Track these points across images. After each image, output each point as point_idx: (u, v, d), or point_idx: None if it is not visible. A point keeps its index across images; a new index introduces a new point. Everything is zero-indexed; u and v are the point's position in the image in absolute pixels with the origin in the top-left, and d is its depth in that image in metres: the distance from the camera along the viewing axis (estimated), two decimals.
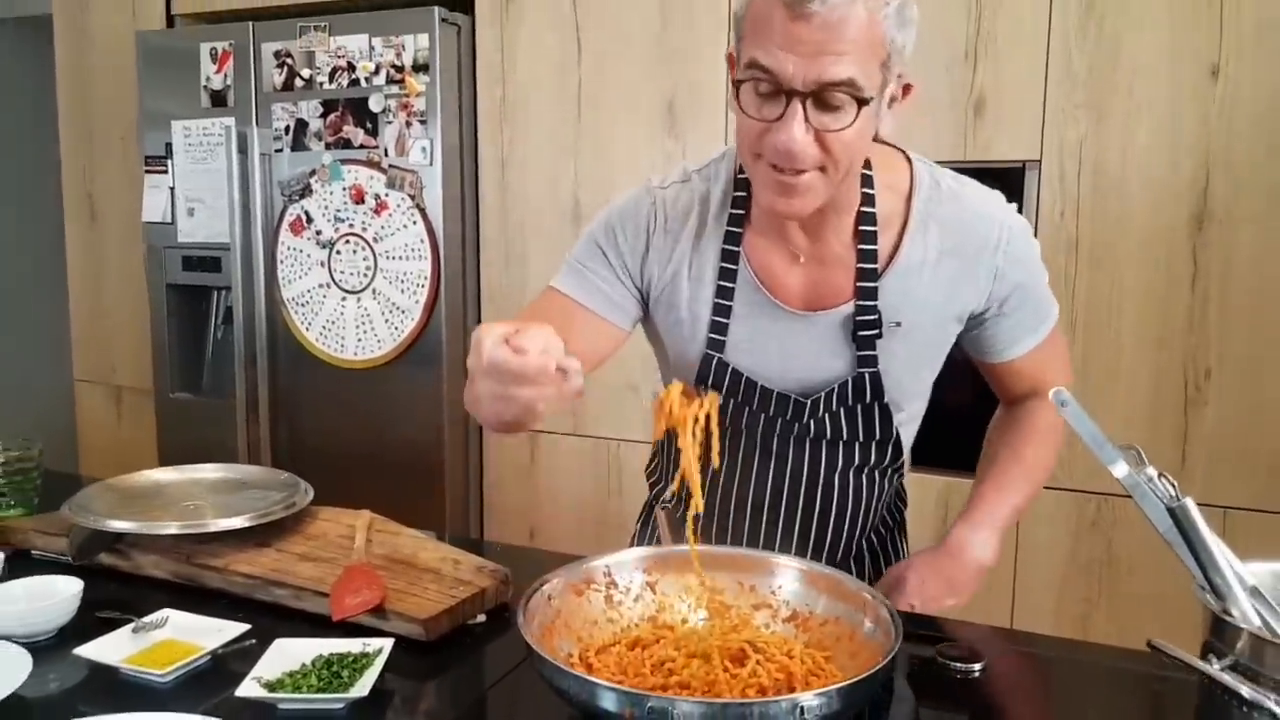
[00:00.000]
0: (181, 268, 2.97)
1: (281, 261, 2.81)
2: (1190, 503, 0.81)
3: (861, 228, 1.20)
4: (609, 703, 0.88)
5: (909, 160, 1.24)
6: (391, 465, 2.74)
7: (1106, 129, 2.12)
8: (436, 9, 2.53)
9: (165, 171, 2.94)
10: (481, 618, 1.28)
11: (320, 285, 2.76)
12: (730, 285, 1.24)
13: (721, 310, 1.24)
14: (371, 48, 2.60)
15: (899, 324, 1.22)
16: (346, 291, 2.73)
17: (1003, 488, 1.32)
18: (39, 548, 1.48)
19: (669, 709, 0.85)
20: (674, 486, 1.20)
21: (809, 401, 1.26)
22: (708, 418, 1.08)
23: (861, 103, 1.02)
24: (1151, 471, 0.88)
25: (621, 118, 2.52)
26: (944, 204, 1.21)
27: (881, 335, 1.22)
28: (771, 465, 1.34)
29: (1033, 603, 2.26)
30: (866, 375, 1.23)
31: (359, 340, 2.73)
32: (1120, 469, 0.87)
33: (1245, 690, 0.73)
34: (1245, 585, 0.83)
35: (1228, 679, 0.74)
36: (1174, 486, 0.83)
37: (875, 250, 1.20)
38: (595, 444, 2.66)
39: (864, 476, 1.35)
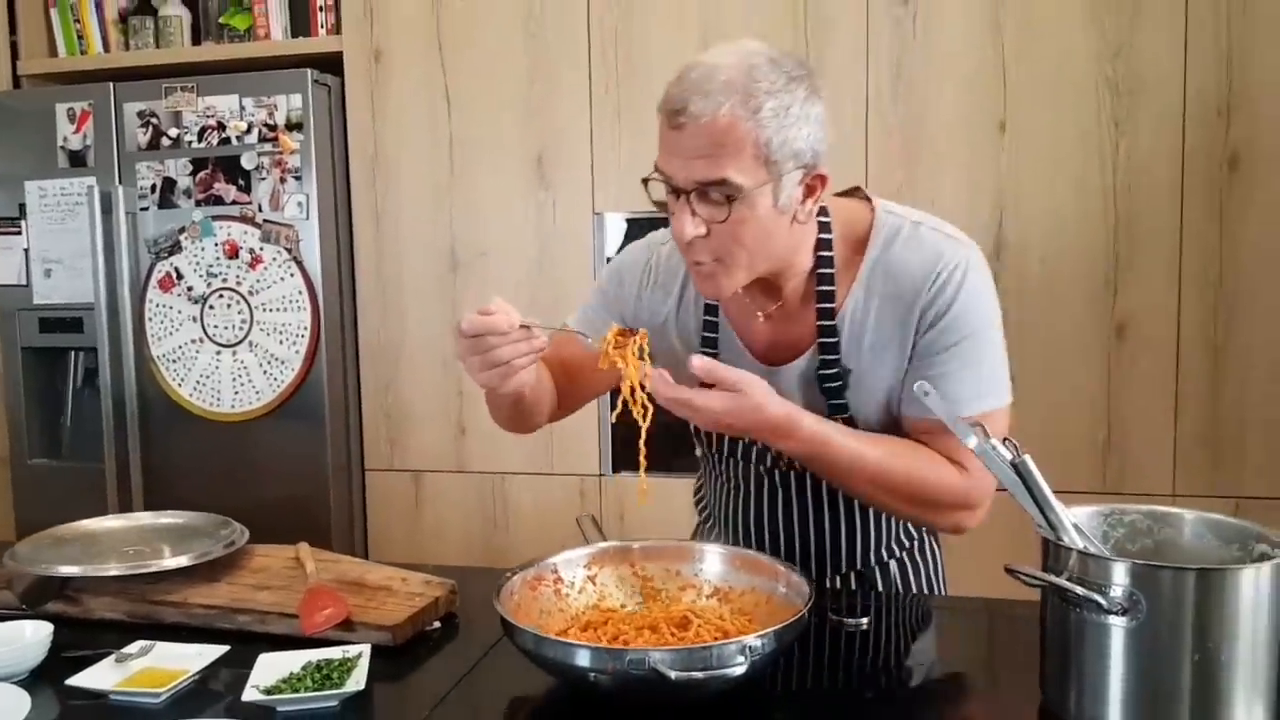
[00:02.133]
0: (39, 330, 2.92)
1: (150, 319, 2.82)
2: (1029, 459, 1.07)
3: (819, 287, 1.29)
4: (588, 660, 1.06)
5: (875, 211, 1.32)
6: (276, 515, 2.76)
7: (918, 175, 2.48)
8: (309, 71, 2.65)
9: (19, 233, 2.89)
10: (436, 624, 1.43)
11: (193, 340, 2.80)
12: (713, 336, 1.38)
13: None
14: (242, 108, 2.69)
15: (850, 370, 1.30)
16: (221, 345, 2.77)
17: (861, 443, 1.25)
18: None
19: (644, 658, 1.03)
20: (620, 408, 1.27)
21: None
22: (641, 348, 1.24)
23: (733, 199, 1.13)
24: (995, 441, 1.13)
25: (493, 170, 2.71)
26: (896, 249, 1.27)
27: (846, 385, 1.30)
28: (780, 494, 1.44)
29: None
30: (840, 422, 1.30)
31: (236, 393, 2.78)
32: (972, 441, 1.12)
33: (1079, 590, 0.99)
34: (1071, 521, 1.10)
35: (1065, 583, 1.00)
36: (1016, 447, 1.09)
37: (833, 308, 1.29)
38: (480, 479, 2.81)
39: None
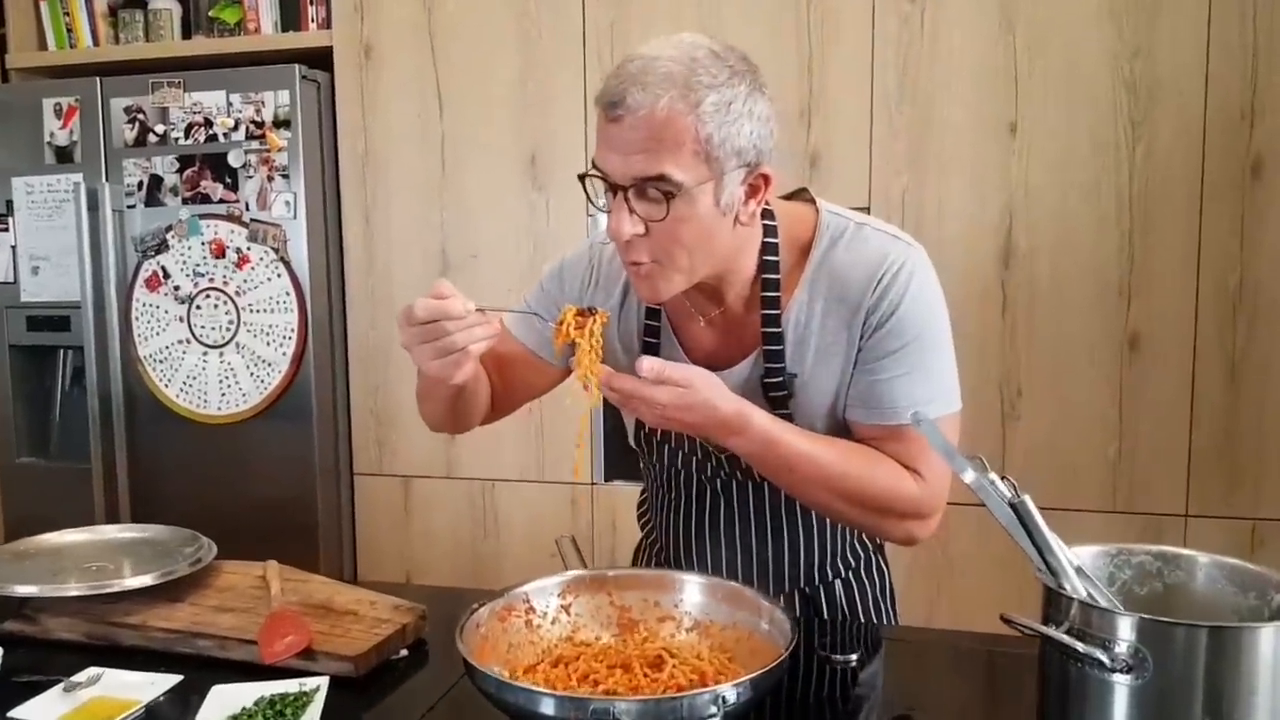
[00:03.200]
0: (26, 328, 2.87)
1: (136, 319, 2.77)
2: (1028, 499, 1.00)
3: (764, 293, 1.25)
4: (552, 709, 0.99)
5: (819, 213, 1.27)
6: (263, 519, 2.72)
7: (924, 179, 2.39)
8: (298, 67, 2.59)
9: (6, 229, 2.84)
10: (403, 652, 1.36)
11: (179, 341, 2.74)
12: (655, 341, 1.33)
13: None
14: (230, 104, 2.62)
15: (795, 375, 1.25)
16: (208, 346, 2.71)
17: (814, 444, 1.20)
18: None
19: (609, 709, 0.96)
20: (579, 385, 1.20)
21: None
22: (602, 327, 1.20)
23: (670, 196, 1.08)
24: (994, 475, 1.06)
25: (485, 169, 2.64)
26: (840, 251, 1.23)
27: (789, 391, 1.26)
28: (722, 504, 1.39)
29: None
30: None
31: (223, 395, 2.72)
32: (969, 475, 1.05)
33: (1080, 646, 0.91)
34: (1073, 565, 1.03)
35: (1065, 638, 0.92)
36: (1014, 486, 1.01)
37: (777, 314, 1.24)
38: (469, 485, 2.74)
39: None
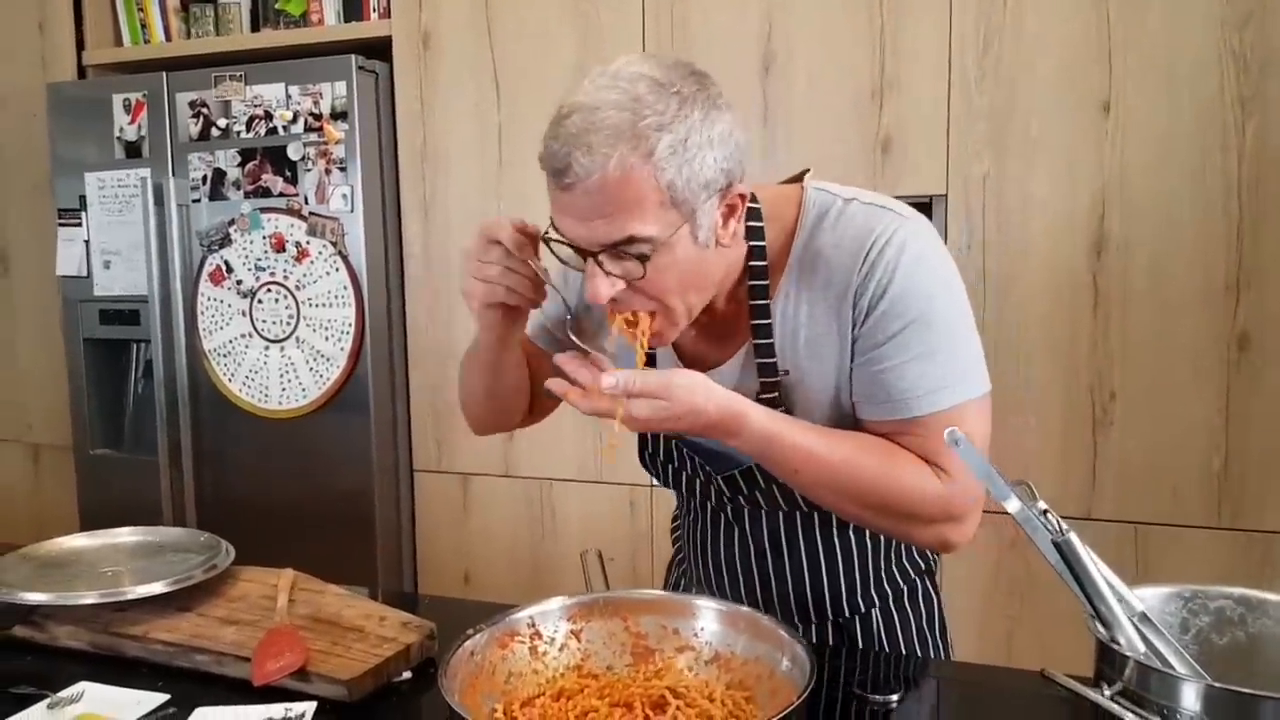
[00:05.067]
0: (99, 321, 2.91)
1: (202, 313, 2.78)
2: (1074, 537, 0.85)
3: (750, 281, 1.14)
4: None
5: (804, 191, 1.17)
6: (321, 516, 2.71)
7: (1007, 164, 2.21)
8: (354, 57, 2.54)
9: (79, 224, 2.88)
10: (407, 674, 1.28)
11: (242, 335, 2.73)
12: (652, 351, 1.20)
13: None
14: (288, 96, 2.60)
15: (787, 372, 1.15)
16: (269, 341, 2.70)
17: (820, 439, 1.09)
18: None
19: None
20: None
21: (739, 472, 1.20)
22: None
23: (644, 258, 0.99)
24: (1042, 505, 0.91)
25: None
26: (824, 232, 1.12)
27: (783, 387, 1.15)
28: (736, 531, 1.30)
29: (959, 624, 2.31)
30: None
31: (283, 390, 2.71)
32: (1013, 504, 0.91)
33: (1130, 717, 0.76)
34: (1133, 612, 0.87)
35: (1115, 707, 0.78)
36: (1060, 522, 0.87)
37: (766, 305, 1.14)
38: (527, 485, 2.67)
39: (847, 532, 1.25)
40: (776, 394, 1.15)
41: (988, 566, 2.28)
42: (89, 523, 2.95)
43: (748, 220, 1.11)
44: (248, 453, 2.78)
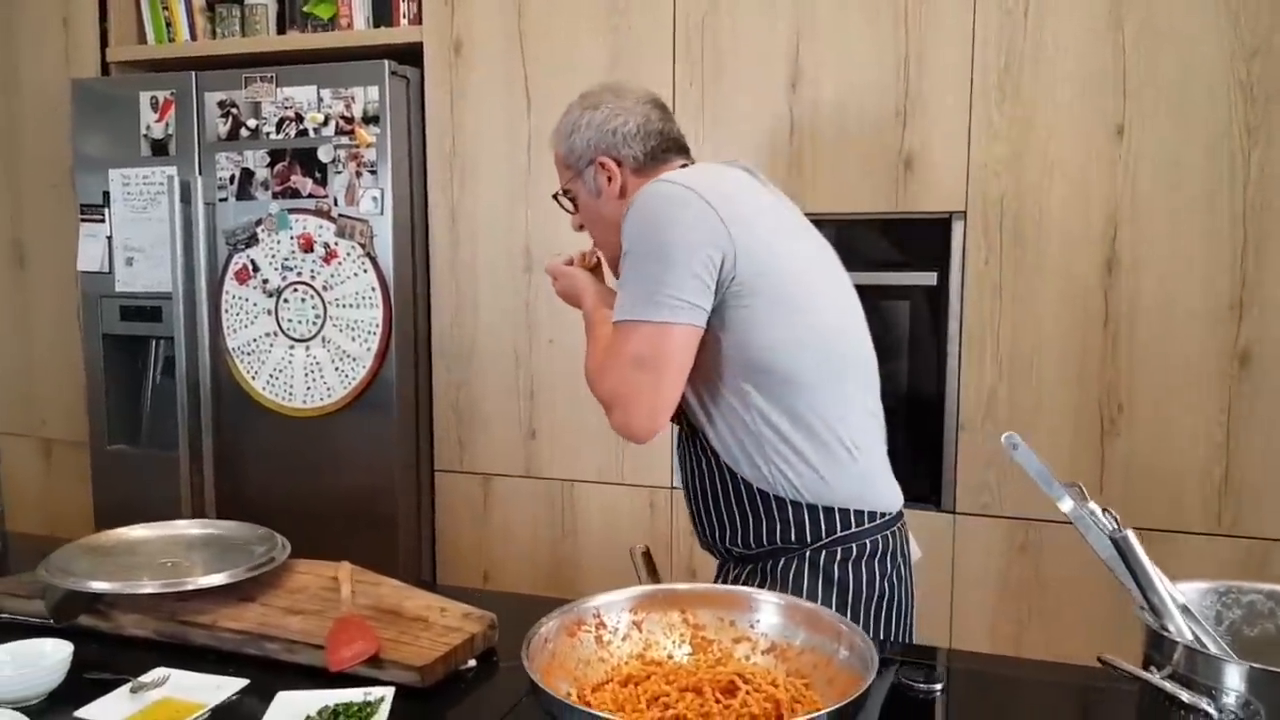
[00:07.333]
0: (119, 318, 2.94)
1: (226, 310, 2.81)
2: (1131, 534, 0.92)
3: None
4: None
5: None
6: (342, 514, 2.75)
7: (1024, 183, 2.29)
8: (387, 63, 2.59)
9: (102, 220, 2.91)
10: (472, 663, 1.33)
11: (267, 334, 2.77)
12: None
13: None
14: (320, 99, 2.64)
15: None
16: (295, 340, 2.75)
17: (603, 324, 1.49)
18: (10, 610, 1.48)
19: None
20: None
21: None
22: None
23: (573, 199, 1.59)
24: (1094, 506, 0.98)
25: None
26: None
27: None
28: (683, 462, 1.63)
29: (969, 624, 2.39)
30: None
31: (308, 389, 2.75)
32: (1066, 504, 0.98)
33: (1185, 695, 0.83)
34: (1177, 604, 0.95)
35: (1169, 686, 0.85)
36: (1115, 519, 0.94)
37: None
38: (548, 485, 2.72)
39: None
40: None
41: (998, 569, 2.36)
42: (104, 518, 2.97)
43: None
44: (269, 450, 2.81)
